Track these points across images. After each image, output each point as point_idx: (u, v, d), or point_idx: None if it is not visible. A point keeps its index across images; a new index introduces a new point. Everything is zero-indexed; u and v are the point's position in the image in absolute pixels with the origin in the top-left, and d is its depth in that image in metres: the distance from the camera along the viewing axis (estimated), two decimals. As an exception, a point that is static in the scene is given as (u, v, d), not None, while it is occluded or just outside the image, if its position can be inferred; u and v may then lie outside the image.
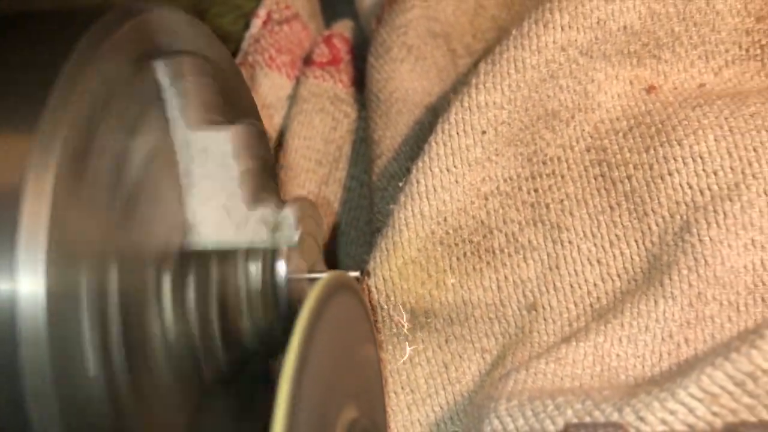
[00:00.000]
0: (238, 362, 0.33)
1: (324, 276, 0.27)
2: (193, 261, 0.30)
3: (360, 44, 0.64)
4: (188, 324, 0.30)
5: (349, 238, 0.60)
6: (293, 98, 0.63)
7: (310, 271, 0.33)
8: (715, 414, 0.29)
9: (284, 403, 0.23)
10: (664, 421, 0.30)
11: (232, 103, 0.35)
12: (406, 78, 0.58)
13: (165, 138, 0.30)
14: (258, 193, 0.32)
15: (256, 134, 0.33)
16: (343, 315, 0.29)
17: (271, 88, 0.64)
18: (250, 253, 0.31)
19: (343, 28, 0.66)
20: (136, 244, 0.28)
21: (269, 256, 0.31)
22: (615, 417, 0.31)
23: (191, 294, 0.30)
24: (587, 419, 0.31)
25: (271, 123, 0.63)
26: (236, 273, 0.31)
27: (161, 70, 0.30)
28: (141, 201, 0.28)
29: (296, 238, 0.31)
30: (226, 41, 0.67)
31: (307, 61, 0.64)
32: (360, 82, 0.62)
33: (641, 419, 0.30)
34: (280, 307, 0.32)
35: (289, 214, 0.31)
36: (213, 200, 0.30)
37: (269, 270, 0.31)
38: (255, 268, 0.32)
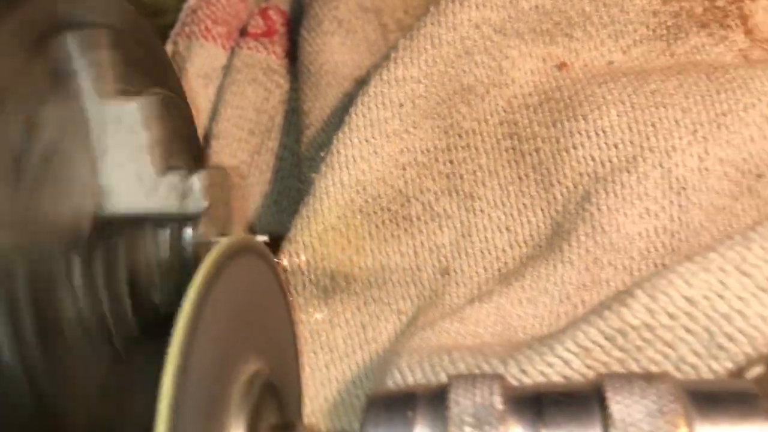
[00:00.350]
0: (152, 329, 0.34)
1: (225, 239, 0.29)
2: (104, 231, 0.32)
3: (297, 17, 0.65)
4: (98, 293, 0.32)
5: (281, 207, 0.62)
6: (227, 69, 0.64)
7: (221, 237, 0.35)
8: (588, 367, 0.32)
9: (175, 356, 0.24)
10: (543, 373, 0.33)
11: (147, 73, 0.36)
12: (337, 51, 0.59)
13: (77, 108, 0.31)
14: (168, 161, 0.33)
15: (168, 103, 0.35)
16: (245, 275, 0.31)
17: (206, 59, 0.65)
18: (160, 220, 0.33)
19: (280, 0, 0.67)
20: (47, 217, 0.29)
21: (178, 223, 0.33)
22: (501, 369, 0.34)
23: (101, 264, 0.32)
24: (477, 371, 0.34)
25: (206, 93, 0.64)
26: (146, 241, 0.33)
27: (71, 42, 0.31)
28: (51, 172, 0.29)
29: (204, 204, 0.33)
30: (164, 12, 0.68)
31: (243, 32, 0.65)
32: (294, 54, 0.63)
33: (523, 372, 0.33)
34: (188, 272, 0.33)
35: (197, 181, 0.33)
36: (124, 168, 0.32)
37: (177, 236, 0.33)
38: (164, 236, 0.33)
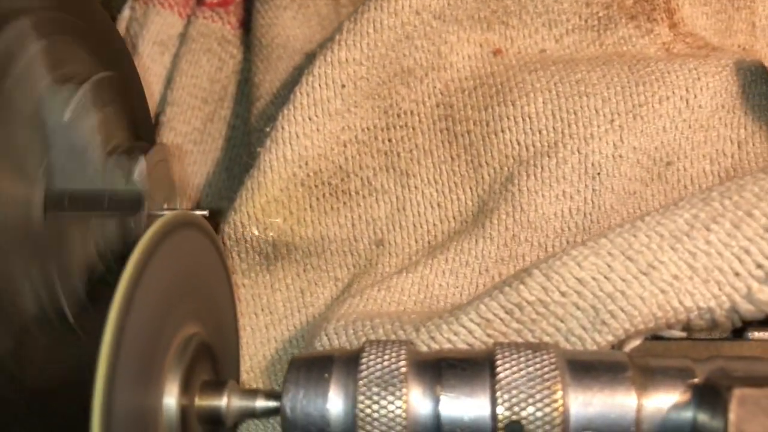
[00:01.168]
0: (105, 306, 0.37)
1: (166, 213, 0.32)
2: (55, 216, 0.34)
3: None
4: (54, 282, 0.35)
5: (232, 173, 0.65)
6: (183, 37, 0.66)
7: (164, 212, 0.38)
8: (489, 336, 0.36)
9: (113, 323, 0.28)
10: (449, 341, 0.37)
11: (97, 54, 0.38)
12: (288, 25, 0.61)
13: (27, 93, 0.33)
14: (114, 141, 0.36)
15: (113, 84, 0.37)
16: (184, 247, 0.34)
17: (162, 26, 0.66)
18: (110, 202, 0.36)
19: (237, -30, 0.69)
20: None
21: (125, 199, 0.36)
22: (413, 336, 0.38)
23: (55, 252, 0.34)
24: (393, 337, 0.38)
25: (161, 60, 0.66)
26: (97, 224, 0.36)
27: (16, 30, 0.33)
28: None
29: (147, 182, 0.36)
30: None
31: (199, 1, 0.67)
32: (249, 25, 0.65)
33: (432, 338, 0.37)
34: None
35: (141, 160, 0.36)
36: (72, 149, 0.34)
37: (126, 217, 0.36)
38: (114, 218, 0.36)
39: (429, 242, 0.50)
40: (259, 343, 0.49)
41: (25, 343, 0.34)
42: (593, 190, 0.47)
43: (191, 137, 0.64)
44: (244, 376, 0.48)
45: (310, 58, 0.61)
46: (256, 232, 0.50)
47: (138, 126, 0.43)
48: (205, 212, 0.39)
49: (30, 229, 0.33)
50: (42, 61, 0.33)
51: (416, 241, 0.51)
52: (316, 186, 0.51)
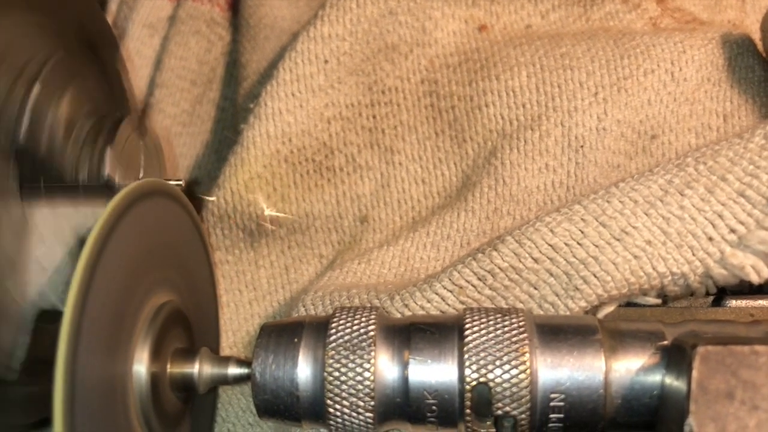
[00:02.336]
0: None
1: (132, 183, 0.32)
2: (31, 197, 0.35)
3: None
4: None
5: (221, 155, 0.65)
6: (172, 19, 0.66)
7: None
8: (462, 303, 0.36)
9: (75, 291, 0.27)
10: (422, 308, 0.36)
11: (48, 34, 0.38)
12: (276, 5, 0.61)
13: None
14: (78, 120, 0.36)
15: (69, 64, 0.37)
16: (154, 215, 0.34)
17: (152, 9, 0.66)
18: (81, 189, 0.36)
19: (226, -48, 0.69)
20: None
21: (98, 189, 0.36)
22: (388, 304, 0.37)
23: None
24: (368, 306, 0.38)
25: (151, 42, 0.66)
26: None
27: None
28: None
29: (118, 167, 0.36)
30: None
31: (188, -17, 0.67)
32: (237, 7, 0.65)
33: (405, 306, 0.37)
34: None
35: (108, 151, 0.36)
36: (39, 148, 0.34)
37: None
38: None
39: (413, 218, 0.50)
40: (243, 319, 0.49)
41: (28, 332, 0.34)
42: (576, 163, 0.47)
43: (180, 119, 0.64)
44: (227, 351, 0.48)
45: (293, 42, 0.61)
46: (240, 209, 0.50)
47: (108, 86, 0.43)
48: (180, 181, 0.39)
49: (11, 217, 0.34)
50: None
51: (401, 218, 0.51)
52: (299, 163, 0.51)
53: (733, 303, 0.36)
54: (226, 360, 0.35)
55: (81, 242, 0.37)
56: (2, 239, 0.33)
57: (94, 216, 0.37)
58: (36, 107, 0.35)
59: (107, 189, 0.37)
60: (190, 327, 0.37)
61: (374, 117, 0.52)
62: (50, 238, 0.36)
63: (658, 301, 0.36)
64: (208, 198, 0.50)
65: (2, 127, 0.33)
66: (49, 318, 0.36)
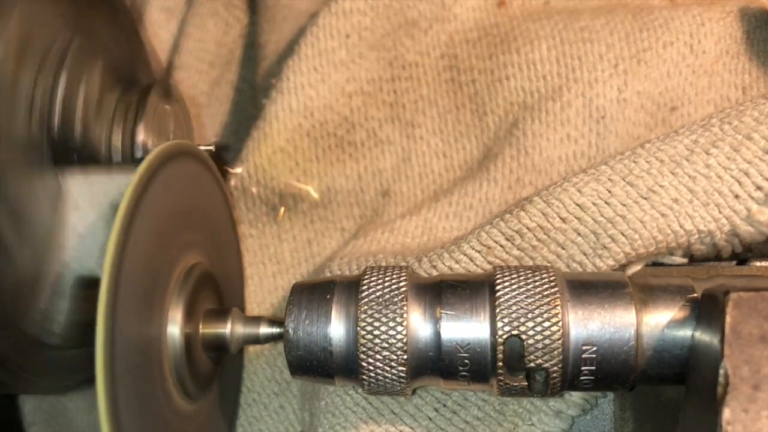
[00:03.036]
0: None
1: (161, 145, 0.32)
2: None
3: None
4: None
5: (240, 137, 0.65)
6: (189, 2, 0.66)
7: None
8: (490, 263, 0.36)
9: (111, 254, 0.28)
10: (450, 269, 0.37)
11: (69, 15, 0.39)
12: (293, -15, 0.62)
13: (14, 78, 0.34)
14: (107, 95, 0.36)
15: (92, 44, 0.38)
16: (183, 177, 0.35)
17: (169, -7, 0.66)
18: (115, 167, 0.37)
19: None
20: None
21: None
22: (416, 266, 0.38)
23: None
24: (395, 268, 0.38)
25: (168, 26, 0.67)
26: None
27: None
28: None
29: (149, 142, 0.36)
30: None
31: (205, -33, 0.67)
32: (254, -11, 0.66)
33: (434, 267, 0.37)
34: None
35: (140, 128, 0.36)
36: (72, 126, 0.35)
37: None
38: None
39: (435, 191, 0.51)
40: (267, 292, 0.50)
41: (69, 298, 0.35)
42: (597, 133, 0.47)
43: (198, 101, 0.64)
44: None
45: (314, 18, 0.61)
46: (263, 182, 0.51)
47: (132, 57, 0.43)
48: (211, 147, 0.39)
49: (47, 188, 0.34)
50: (15, 47, 0.33)
51: (422, 191, 0.51)
52: (321, 137, 0.52)
53: (758, 264, 0.36)
54: (258, 319, 0.35)
55: (115, 209, 0.38)
56: (39, 210, 0.34)
57: (128, 183, 0.37)
58: (66, 91, 0.35)
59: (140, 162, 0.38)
60: (219, 289, 0.38)
61: (395, 92, 0.52)
62: (85, 206, 0.36)
63: (685, 260, 0.36)
64: (232, 170, 0.50)
65: (34, 116, 0.34)
66: (87, 284, 0.36)
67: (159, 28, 0.66)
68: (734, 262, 0.38)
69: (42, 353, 0.34)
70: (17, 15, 0.33)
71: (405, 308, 0.31)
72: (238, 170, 0.50)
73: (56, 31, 0.37)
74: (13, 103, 0.33)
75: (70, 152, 0.36)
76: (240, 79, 0.65)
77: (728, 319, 0.27)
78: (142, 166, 0.31)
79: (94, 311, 0.36)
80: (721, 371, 0.26)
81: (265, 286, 0.50)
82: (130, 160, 0.39)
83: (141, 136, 0.39)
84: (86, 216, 0.36)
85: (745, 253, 0.37)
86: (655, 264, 0.36)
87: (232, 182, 0.51)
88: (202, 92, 0.65)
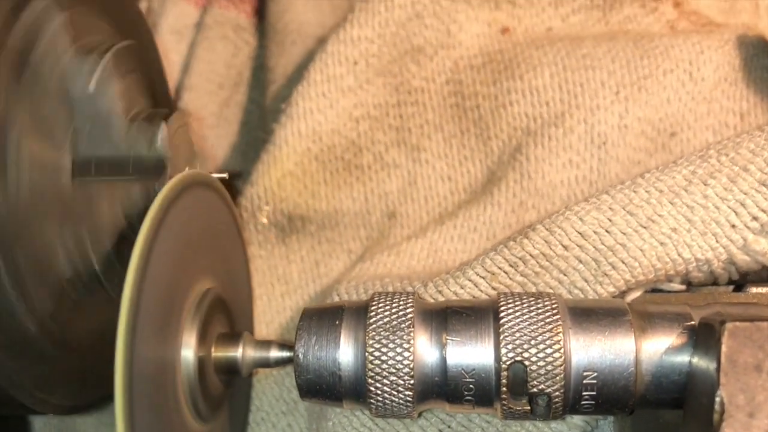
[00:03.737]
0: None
1: (181, 174, 0.34)
2: (82, 172, 0.36)
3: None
4: (88, 251, 0.37)
5: (248, 157, 0.66)
6: (199, 26, 0.68)
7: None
8: (494, 289, 0.38)
9: (132, 279, 0.29)
10: (456, 294, 0.38)
11: (116, 24, 0.40)
12: (301, 10, 0.63)
13: (53, 66, 0.35)
14: (134, 106, 0.38)
15: (133, 53, 0.39)
16: (198, 205, 0.36)
17: (179, 16, 0.68)
18: (135, 170, 0.38)
19: (251, -40, 0.70)
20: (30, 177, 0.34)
21: (148, 164, 0.38)
22: (421, 291, 0.39)
23: (86, 223, 0.36)
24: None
25: (178, 48, 0.68)
26: (124, 193, 0.38)
27: (40, 4, 0.34)
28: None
29: (169, 146, 0.37)
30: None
31: (214, -10, 0.69)
32: (262, 13, 0.67)
33: (439, 292, 0.38)
34: None
35: (162, 126, 0.37)
36: (97, 117, 0.36)
37: (151, 184, 0.38)
38: (139, 186, 0.38)
39: (440, 214, 0.52)
40: (275, 312, 0.51)
41: (62, 305, 0.35)
42: (599, 158, 0.48)
43: (207, 122, 0.66)
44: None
45: (322, 41, 0.62)
46: (272, 205, 0.52)
47: (157, 93, 0.45)
48: (224, 175, 0.40)
49: (61, 195, 0.35)
50: (65, 33, 0.35)
51: (427, 213, 0.52)
52: (329, 160, 0.53)
53: (754, 290, 0.37)
54: (268, 344, 0.36)
55: (127, 219, 0.39)
56: (53, 211, 0.35)
57: (142, 191, 0.39)
58: (103, 76, 0.37)
59: (157, 165, 0.39)
60: (230, 312, 0.39)
61: (401, 116, 0.53)
62: (98, 211, 0.37)
63: (683, 287, 0.37)
64: (242, 195, 0.52)
65: (70, 87, 0.35)
66: (91, 295, 0.37)
67: (169, 50, 0.68)
68: (731, 288, 0.39)
69: (52, 369, 0.35)
70: (74, 11, 0.35)
71: (412, 334, 0.33)
72: (248, 195, 0.51)
73: (103, 35, 0.38)
74: (53, 68, 0.34)
75: (91, 147, 0.37)
76: (248, 101, 0.67)
77: (724, 348, 0.28)
78: (161, 195, 0.32)
79: (101, 326, 0.37)
80: (717, 399, 0.27)
81: (273, 306, 0.51)
82: (146, 167, 0.40)
83: (160, 144, 0.40)
84: (96, 220, 0.37)
85: (741, 279, 0.38)
86: (654, 290, 0.37)
87: (242, 204, 0.52)
88: (211, 113, 0.66)
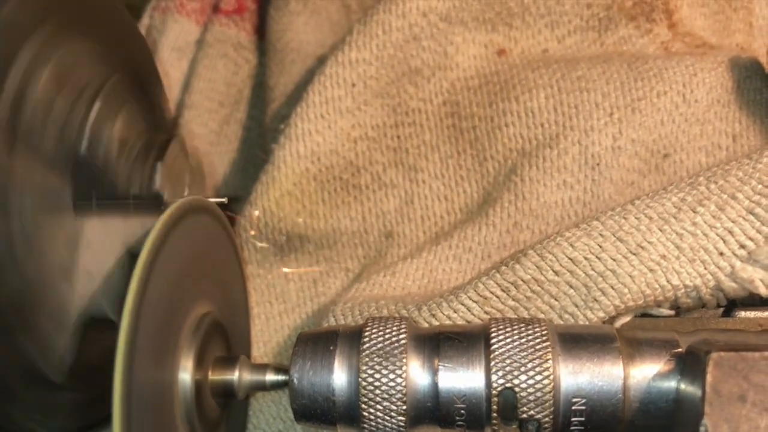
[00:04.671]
0: None
1: (179, 200, 0.34)
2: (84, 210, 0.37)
3: (266, -5, 0.70)
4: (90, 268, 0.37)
5: (247, 173, 0.67)
6: (200, 43, 0.68)
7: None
8: (486, 313, 0.38)
9: (130, 304, 0.30)
10: (449, 318, 0.39)
11: (110, 54, 0.40)
12: (301, 30, 0.64)
13: (45, 117, 0.36)
14: (131, 138, 0.38)
15: (126, 84, 0.40)
16: (197, 231, 0.36)
17: (180, 33, 0.69)
18: (132, 202, 0.39)
19: (251, -22, 0.71)
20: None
21: (148, 202, 0.39)
22: (415, 314, 0.40)
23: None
24: (396, 316, 0.40)
25: (179, 65, 0.69)
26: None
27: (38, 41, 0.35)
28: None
29: (167, 182, 0.38)
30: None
31: (215, 8, 0.70)
32: (263, 31, 0.68)
33: (433, 316, 0.39)
34: None
35: (159, 166, 0.38)
36: (94, 164, 0.37)
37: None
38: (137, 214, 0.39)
39: (436, 234, 0.52)
40: (273, 331, 0.52)
41: (73, 339, 0.36)
42: (593, 180, 0.49)
43: (208, 139, 0.66)
44: (258, 361, 0.50)
45: (322, 61, 0.63)
46: (270, 225, 0.53)
47: (156, 114, 0.45)
48: (224, 200, 0.41)
49: (64, 228, 0.36)
50: (54, 83, 0.35)
51: (424, 233, 0.53)
52: (327, 180, 0.54)
53: (743, 314, 0.38)
54: (264, 367, 0.37)
55: (129, 252, 0.40)
56: (56, 248, 0.36)
57: (143, 227, 0.39)
58: (95, 124, 0.37)
59: (156, 202, 0.40)
60: (227, 336, 0.40)
61: (398, 137, 0.54)
62: (100, 247, 0.38)
63: (672, 312, 0.38)
64: (238, 216, 0.52)
65: (65, 143, 0.36)
66: (96, 325, 0.38)
67: (170, 67, 0.68)
68: (720, 311, 0.39)
69: (50, 393, 0.36)
70: (64, 50, 0.35)
71: (404, 360, 0.33)
72: (246, 215, 0.52)
73: (95, 70, 0.39)
74: (45, 125, 0.35)
75: (90, 186, 0.38)
76: (248, 118, 0.68)
77: (709, 378, 0.28)
78: (161, 220, 0.33)
79: (100, 352, 0.38)
80: (702, 429, 0.28)
81: (271, 325, 0.52)
82: (146, 204, 0.41)
83: (158, 182, 0.41)
84: (100, 257, 0.38)
85: (730, 303, 0.38)
86: (643, 315, 0.38)
87: (241, 224, 0.53)
88: (211, 131, 0.67)
